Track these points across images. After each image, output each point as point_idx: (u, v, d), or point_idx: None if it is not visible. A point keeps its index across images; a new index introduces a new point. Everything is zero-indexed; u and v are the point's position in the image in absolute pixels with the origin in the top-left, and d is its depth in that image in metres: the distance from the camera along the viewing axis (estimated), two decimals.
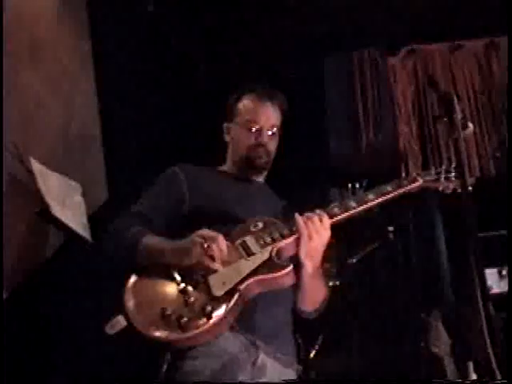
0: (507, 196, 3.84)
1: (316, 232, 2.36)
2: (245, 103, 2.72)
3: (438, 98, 2.25)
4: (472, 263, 1.92)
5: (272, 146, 2.70)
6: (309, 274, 2.42)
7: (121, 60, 4.89)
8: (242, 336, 2.33)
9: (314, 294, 2.57)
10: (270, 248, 2.34)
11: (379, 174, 2.69)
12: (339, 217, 2.45)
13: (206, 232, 2.23)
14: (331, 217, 2.43)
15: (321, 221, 2.38)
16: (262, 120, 2.66)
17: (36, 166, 3.59)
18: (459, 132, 2.11)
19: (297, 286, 2.47)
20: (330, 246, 2.48)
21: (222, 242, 2.22)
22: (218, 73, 5.80)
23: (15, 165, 3.51)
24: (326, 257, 2.50)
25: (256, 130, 2.65)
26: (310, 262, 2.40)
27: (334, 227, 2.43)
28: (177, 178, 2.59)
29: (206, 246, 2.18)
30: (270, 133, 2.67)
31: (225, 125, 2.78)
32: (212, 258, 2.19)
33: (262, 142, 2.65)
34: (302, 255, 2.38)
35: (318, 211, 2.43)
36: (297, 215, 2.39)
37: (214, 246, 2.19)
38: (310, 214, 2.40)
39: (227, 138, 2.78)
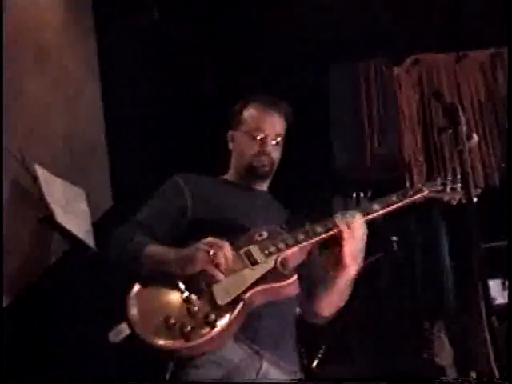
0: (507, 206, 3.84)
1: (358, 230, 2.40)
2: (250, 111, 2.72)
3: (442, 109, 2.25)
4: (476, 274, 1.92)
5: (276, 154, 2.70)
6: (350, 276, 2.45)
7: (126, 67, 4.90)
8: (245, 345, 2.33)
9: (340, 298, 2.58)
10: (274, 257, 2.34)
11: (384, 185, 2.69)
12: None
13: (212, 239, 2.22)
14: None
15: (359, 219, 2.41)
16: (266, 128, 2.66)
17: (40, 172, 3.60)
18: (464, 143, 2.11)
19: (326, 289, 2.50)
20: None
21: (228, 249, 2.22)
22: (223, 81, 5.80)
23: (19, 171, 3.51)
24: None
25: (260, 139, 2.65)
26: (354, 263, 2.43)
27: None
28: (179, 188, 2.59)
29: (211, 253, 2.18)
30: (274, 142, 2.67)
31: (229, 133, 2.78)
32: (217, 266, 2.19)
33: (266, 150, 2.64)
34: (347, 257, 2.41)
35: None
36: (336, 216, 2.41)
37: (219, 254, 2.19)
38: (347, 214, 2.43)
39: (231, 146, 2.78)
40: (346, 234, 2.39)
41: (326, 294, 2.54)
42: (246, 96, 2.78)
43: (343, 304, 2.62)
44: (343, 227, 2.39)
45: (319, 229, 2.42)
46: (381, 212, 2.52)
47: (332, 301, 2.56)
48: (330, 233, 2.41)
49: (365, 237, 2.44)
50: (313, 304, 2.58)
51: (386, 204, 2.54)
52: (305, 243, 2.41)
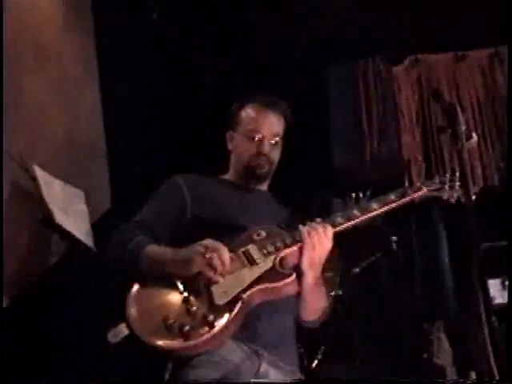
0: (507, 206, 3.84)
1: (319, 242, 2.37)
2: (247, 112, 2.71)
3: (442, 109, 2.25)
4: (475, 274, 1.92)
5: (274, 155, 2.69)
6: (309, 283, 2.42)
7: (125, 68, 4.90)
8: (244, 345, 2.33)
9: (315, 304, 2.56)
10: (272, 257, 2.34)
11: (383, 185, 2.69)
12: (343, 226, 2.46)
13: (208, 242, 2.22)
14: (335, 226, 2.44)
15: (324, 231, 2.38)
16: (263, 129, 2.65)
17: (40, 173, 3.59)
18: (463, 143, 2.11)
19: (298, 297, 2.47)
20: (333, 256, 2.48)
21: (225, 252, 2.21)
22: (222, 80, 5.80)
23: (19, 172, 3.51)
24: (327, 266, 2.50)
25: (258, 139, 2.64)
26: (311, 272, 2.41)
27: (337, 236, 2.44)
28: (178, 187, 2.59)
29: (207, 256, 2.18)
30: (272, 142, 2.66)
31: (228, 133, 2.78)
32: (213, 269, 2.19)
33: (263, 151, 2.64)
34: (304, 265, 2.39)
35: (319, 220, 2.44)
36: (301, 226, 2.39)
37: (215, 257, 2.19)
38: (313, 224, 2.40)
39: (230, 146, 2.77)
40: (306, 244, 2.38)
41: (298, 299, 2.52)
42: (245, 96, 2.78)
43: (321, 309, 2.60)
44: (305, 237, 2.38)
45: (288, 240, 2.41)
46: (379, 211, 2.52)
47: (305, 305, 2.53)
48: (296, 245, 2.39)
49: (327, 248, 2.41)
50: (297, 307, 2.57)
51: (384, 203, 2.54)
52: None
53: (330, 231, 2.41)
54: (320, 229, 2.38)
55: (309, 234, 2.37)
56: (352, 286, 4.68)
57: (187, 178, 2.64)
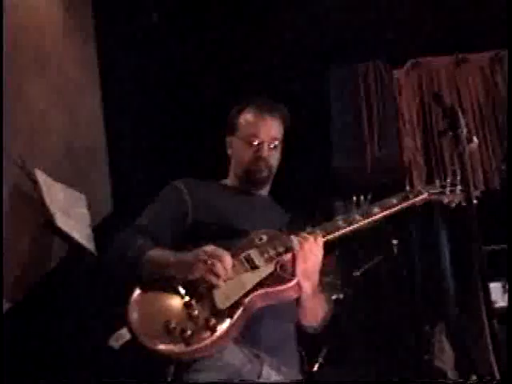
0: (507, 209, 3.84)
1: (311, 252, 2.36)
2: (245, 117, 2.71)
3: (442, 112, 2.25)
4: (476, 277, 1.92)
5: (273, 159, 2.68)
6: (307, 293, 2.42)
7: (126, 72, 4.90)
8: (246, 349, 2.32)
9: (314, 311, 2.56)
10: (274, 261, 2.34)
11: (383, 188, 2.69)
12: (344, 230, 2.46)
13: (211, 249, 2.22)
14: (336, 230, 2.43)
15: (315, 240, 2.38)
16: (262, 134, 2.64)
17: (41, 177, 3.60)
18: (464, 146, 2.11)
19: (297, 303, 2.47)
20: (332, 259, 2.48)
21: (227, 259, 2.21)
22: (222, 84, 5.80)
23: (20, 176, 3.51)
24: (324, 273, 2.49)
25: (257, 144, 2.64)
26: (308, 282, 2.39)
27: (338, 240, 2.44)
28: (179, 192, 2.59)
29: (209, 262, 2.18)
30: (271, 146, 2.65)
31: (227, 138, 2.78)
32: (215, 275, 2.19)
33: (262, 155, 2.63)
34: (299, 275, 2.36)
35: (309, 229, 2.43)
36: (292, 236, 2.38)
37: (218, 264, 2.18)
38: (304, 235, 2.39)
39: (229, 151, 2.77)
40: (298, 255, 2.36)
41: (298, 306, 2.52)
42: (243, 100, 2.77)
43: (321, 315, 2.59)
44: (296, 248, 2.37)
45: (281, 248, 2.39)
46: (381, 215, 2.52)
47: (305, 313, 2.53)
48: (288, 254, 2.38)
49: (320, 257, 2.40)
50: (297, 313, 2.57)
51: (385, 207, 2.54)
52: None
53: (321, 240, 2.40)
54: (311, 239, 2.38)
55: (300, 244, 2.35)
56: (353, 289, 4.67)
57: (187, 183, 2.63)
